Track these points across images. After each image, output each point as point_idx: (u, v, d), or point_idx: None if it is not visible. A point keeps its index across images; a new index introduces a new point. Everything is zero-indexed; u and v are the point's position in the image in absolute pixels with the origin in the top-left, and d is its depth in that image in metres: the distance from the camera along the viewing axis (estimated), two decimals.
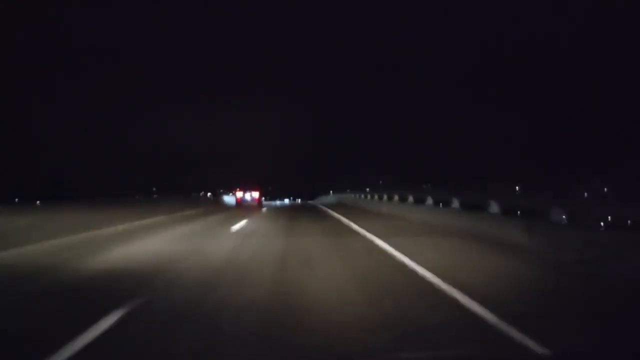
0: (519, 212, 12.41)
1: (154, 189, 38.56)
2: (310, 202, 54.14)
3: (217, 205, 31.99)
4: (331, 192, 54.13)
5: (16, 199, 20.08)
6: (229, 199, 36.31)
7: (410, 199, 20.09)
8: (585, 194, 12.31)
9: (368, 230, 11.37)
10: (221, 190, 42.33)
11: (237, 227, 13.23)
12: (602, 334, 3.64)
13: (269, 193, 55.42)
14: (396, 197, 22.25)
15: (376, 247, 8.61)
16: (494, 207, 12.39)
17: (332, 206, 29.69)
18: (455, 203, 15.21)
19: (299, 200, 68.21)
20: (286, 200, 63.90)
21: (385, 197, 24.44)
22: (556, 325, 3.80)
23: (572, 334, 3.61)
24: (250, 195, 33.41)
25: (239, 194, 33.69)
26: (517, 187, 17.26)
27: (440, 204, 16.74)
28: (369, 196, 29.08)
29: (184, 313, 4.16)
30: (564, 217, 9.72)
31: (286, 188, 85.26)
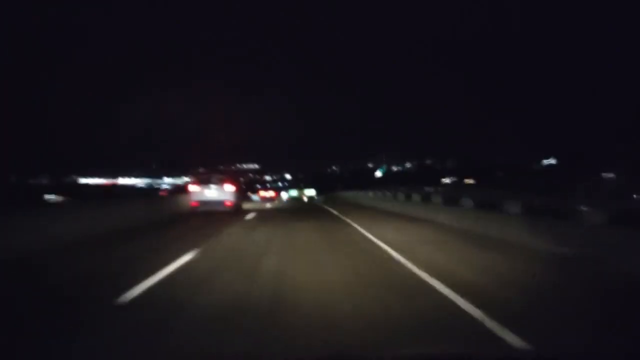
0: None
1: None
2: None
3: (249, 199, 48.78)
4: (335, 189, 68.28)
5: None
6: (254, 197, 53.49)
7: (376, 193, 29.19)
8: None
9: (333, 209, 27.71)
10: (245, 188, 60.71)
11: (277, 202, 31.06)
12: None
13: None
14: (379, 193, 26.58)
15: (323, 208, 24.92)
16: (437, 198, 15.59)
17: (324, 202, 46.13)
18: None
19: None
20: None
21: (371, 194, 29.05)
22: (442, 260, 6.70)
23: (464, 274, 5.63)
24: (269, 194, 50.97)
25: (262, 192, 51.33)
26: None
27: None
28: (362, 193, 33.05)
29: (273, 212, 20.61)
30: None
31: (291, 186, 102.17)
